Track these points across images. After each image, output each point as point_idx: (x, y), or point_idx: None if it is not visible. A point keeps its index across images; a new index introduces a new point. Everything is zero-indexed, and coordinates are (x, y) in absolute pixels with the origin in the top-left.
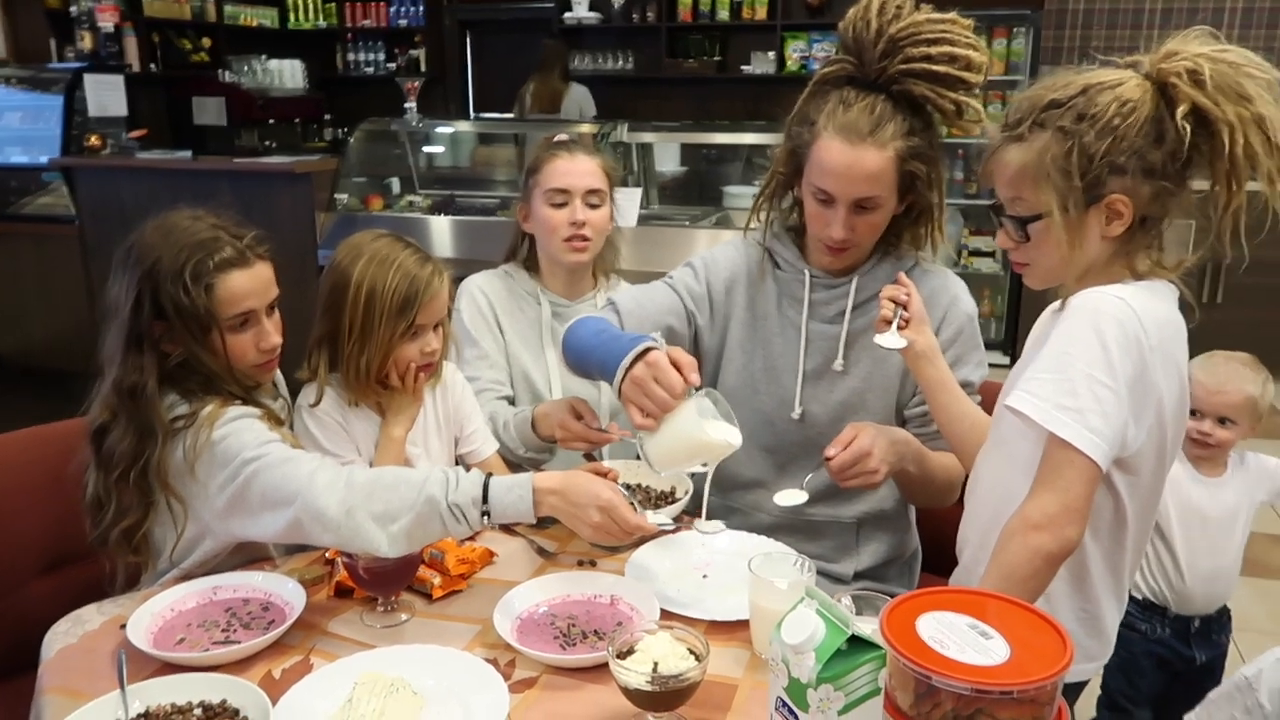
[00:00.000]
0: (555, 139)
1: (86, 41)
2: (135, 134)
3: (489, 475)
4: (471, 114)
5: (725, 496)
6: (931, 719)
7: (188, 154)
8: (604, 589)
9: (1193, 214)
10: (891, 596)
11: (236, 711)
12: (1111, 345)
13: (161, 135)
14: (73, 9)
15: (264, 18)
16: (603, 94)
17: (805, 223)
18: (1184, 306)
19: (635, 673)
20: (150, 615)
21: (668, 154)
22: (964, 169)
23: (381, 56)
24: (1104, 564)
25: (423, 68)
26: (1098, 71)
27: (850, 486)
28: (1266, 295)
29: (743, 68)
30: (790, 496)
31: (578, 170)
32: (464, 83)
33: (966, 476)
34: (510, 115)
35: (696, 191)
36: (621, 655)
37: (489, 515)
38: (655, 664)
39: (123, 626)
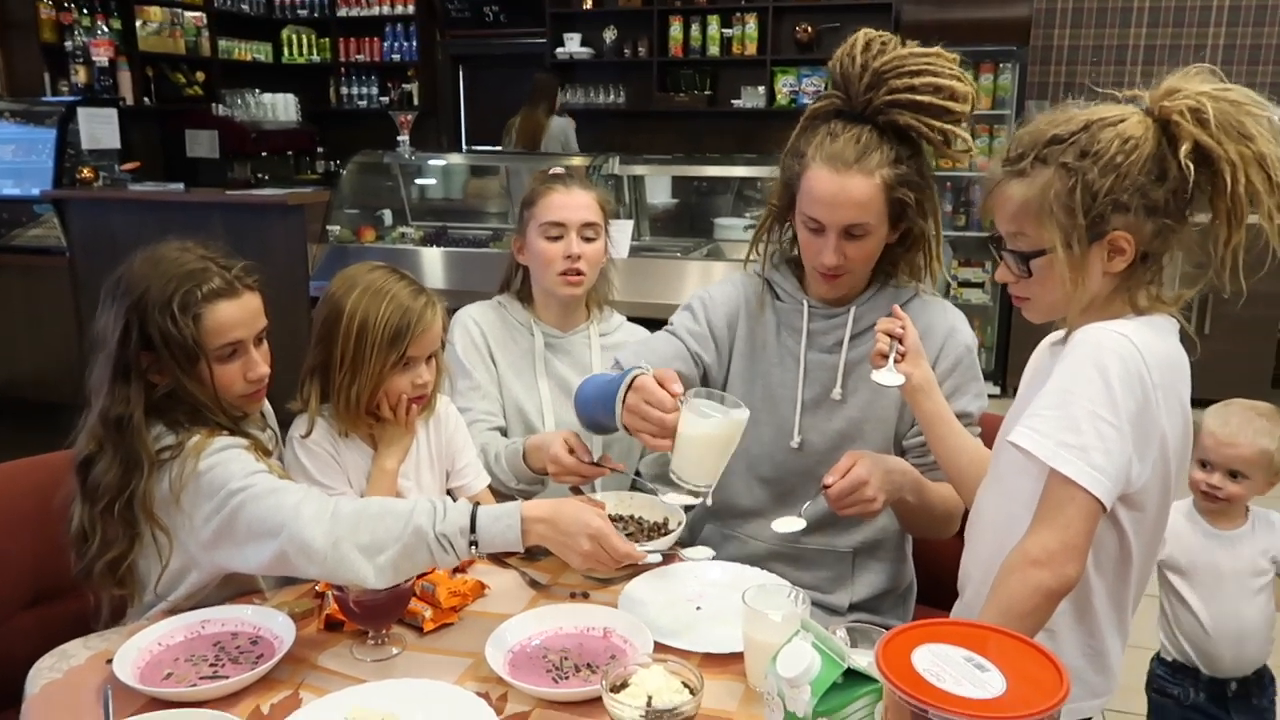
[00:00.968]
0: (551, 172)
1: (81, 75)
2: (128, 166)
3: (476, 504)
4: (464, 147)
5: (722, 524)
6: None
7: (180, 186)
8: (597, 621)
9: (1194, 250)
10: (886, 629)
11: None
12: (1114, 382)
13: (155, 168)
14: (67, 44)
15: (258, 52)
16: (594, 127)
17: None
18: (1185, 340)
19: (629, 707)
20: (137, 650)
21: (659, 186)
22: (953, 200)
23: (375, 90)
24: (1108, 599)
25: (416, 101)
26: (1099, 108)
27: (848, 515)
28: (1255, 326)
29: (733, 102)
30: (788, 524)
31: (573, 204)
32: (457, 116)
33: (966, 511)
34: (502, 148)
35: (688, 223)
36: (615, 689)
37: (477, 545)
38: (649, 698)
39: (109, 661)
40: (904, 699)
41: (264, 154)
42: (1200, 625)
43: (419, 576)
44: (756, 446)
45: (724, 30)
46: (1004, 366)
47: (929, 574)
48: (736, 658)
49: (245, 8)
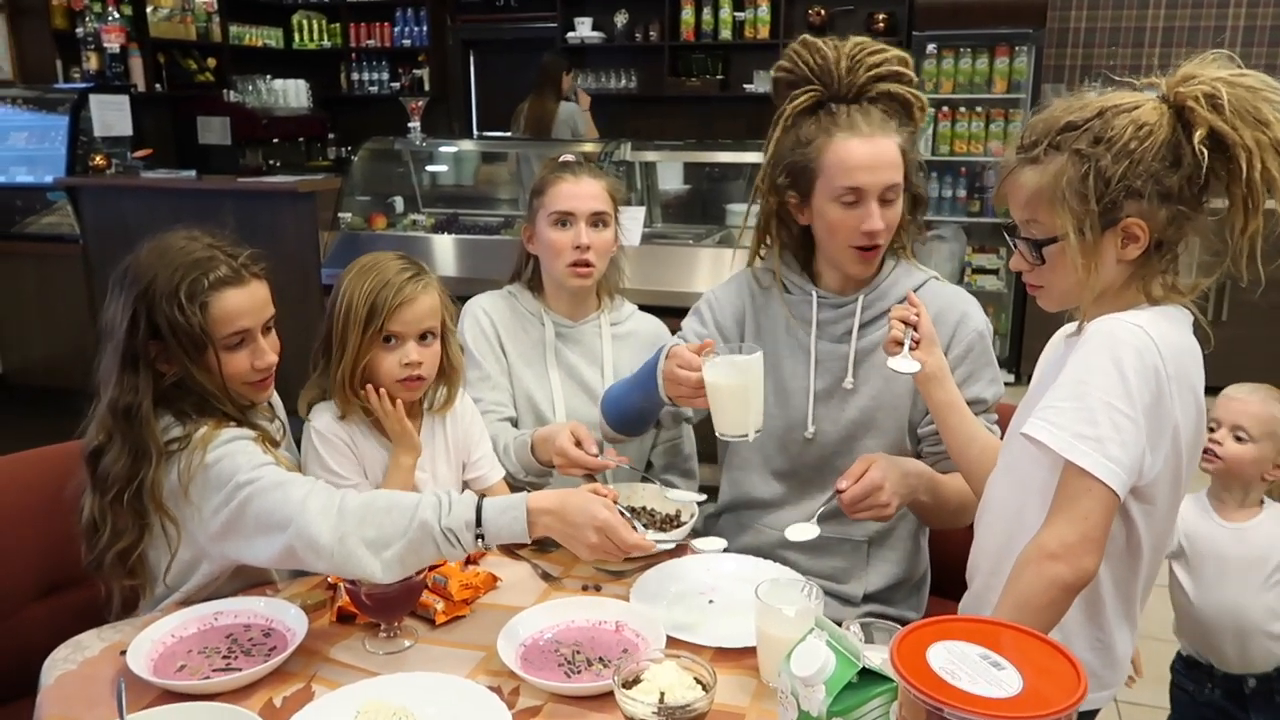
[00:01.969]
0: (560, 160)
1: (92, 62)
2: (140, 153)
3: (482, 496)
4: (475, 133)
5: (737, 515)
6: None
7: (192, 173)
8: (609, 615)
9: (1210, 238)
10: (900, 621)
11: None
12: (1129, 373)
13: (166, 154)
14: (79, 30)
15: (269, 38)
16: (606, 113)
17: (821, 239)
18: (1198, 331)
19: (641, 703)
20: (151, 642)
21: (671, 173)
22: (966, 186)
23: (385, 76)
24: (1116, 592)
25: (426, 87)
26: (1114, 94)
27: (861, 519)
28: (1273, 313)
29: (745, 86)
30: (801, 531)
31: (582, 193)
32: (468, 102)
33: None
34: (512, 135)
35: (700, 210)
36: (627, 684)
37: (483, 538)
38: (661, 694)
39: (123, 653)
40: (920, 699)
41: (275, 140)
42: (1196, 616)
43: (431, 569)
44: (770, 438)
45: (736, 13)
46: (1019, 353)
47: (941, 565)
48: (749, 652)
49: None
